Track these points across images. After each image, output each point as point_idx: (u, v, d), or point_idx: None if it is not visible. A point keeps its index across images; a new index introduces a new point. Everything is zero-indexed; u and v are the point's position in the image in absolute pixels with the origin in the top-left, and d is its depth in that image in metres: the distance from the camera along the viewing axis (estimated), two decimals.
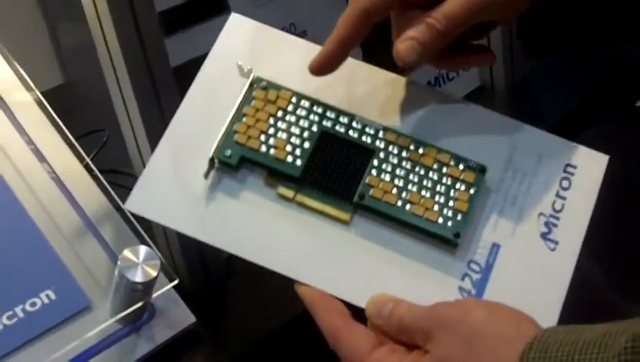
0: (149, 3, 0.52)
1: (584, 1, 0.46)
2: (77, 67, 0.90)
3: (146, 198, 0.44)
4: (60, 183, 0.57)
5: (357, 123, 0.46)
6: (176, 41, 0.61)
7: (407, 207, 0.44)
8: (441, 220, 0.44)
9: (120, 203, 0.56)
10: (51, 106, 0.60)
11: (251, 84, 0.46)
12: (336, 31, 0.44)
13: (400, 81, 0.48)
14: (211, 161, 0.44)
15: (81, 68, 0.89)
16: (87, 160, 0.59)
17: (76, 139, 0.60)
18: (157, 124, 0.53)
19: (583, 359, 0.34)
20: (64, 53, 0.91)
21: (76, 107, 0.71)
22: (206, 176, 0.44)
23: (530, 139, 0.47)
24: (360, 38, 0.44)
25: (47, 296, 0.53)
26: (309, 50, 0.47)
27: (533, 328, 0.37)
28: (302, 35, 0.70)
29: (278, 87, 0.46)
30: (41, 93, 0.61)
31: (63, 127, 0.59)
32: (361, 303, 0.42)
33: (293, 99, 0.46)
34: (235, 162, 0.44)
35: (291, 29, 0.69)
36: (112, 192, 0.58)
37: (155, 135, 0.47)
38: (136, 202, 0.44)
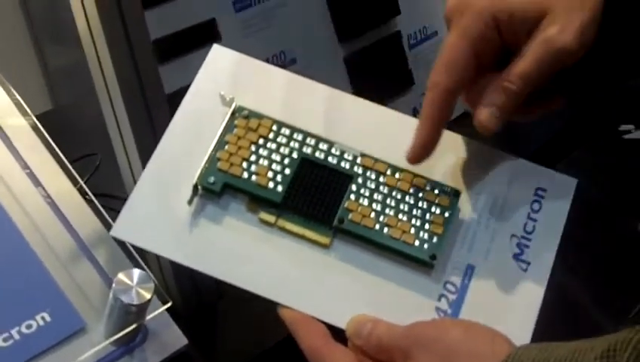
0: (143, 31, 0.53)
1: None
2: (66, 93, 0.91)
3: (131, 225, 0.45)
4: (54, 207, 0.58)
5: (336, 149, 0.47)
6: (170, 69, 0.62)
7: (385, 230, 0.45)
8: (417, 243, 0.45)
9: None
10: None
11: (233, 113, 0.47)
12: (426, 117, 0.45)
13: (378, 109, 0.49)
14: (195, 187, 0.45)
15: (70, 94, 0.89)
16: (81, 182, 0.60)
17: (69, 164, 0.60)
18: (151, 150, 0.53)
19: None
20: (53, 79, 0.91)
21: (66, 132, 0.71)
22: (190, 202, 0.45)
23: (502, 163, 0.48)
24: (449, 115, 0.45)
25: (43, 318, 0.53)
26: (288, 80, 0.48)
27: (507, 346, 0.38)
28: (291, 62, 0.70)
29: (259, 116, 0.47)
30: None
31: (58, 151, 0.60)
32: (341, 324, 0.43)
33: (274, 127, 0.47)
34: (219, 189, 0.45)
35: (281, 56, 0.70)
36: (106, 215, 0.58)
37: (148, 161, 0.47)
38: (122, 229, 0.45)
